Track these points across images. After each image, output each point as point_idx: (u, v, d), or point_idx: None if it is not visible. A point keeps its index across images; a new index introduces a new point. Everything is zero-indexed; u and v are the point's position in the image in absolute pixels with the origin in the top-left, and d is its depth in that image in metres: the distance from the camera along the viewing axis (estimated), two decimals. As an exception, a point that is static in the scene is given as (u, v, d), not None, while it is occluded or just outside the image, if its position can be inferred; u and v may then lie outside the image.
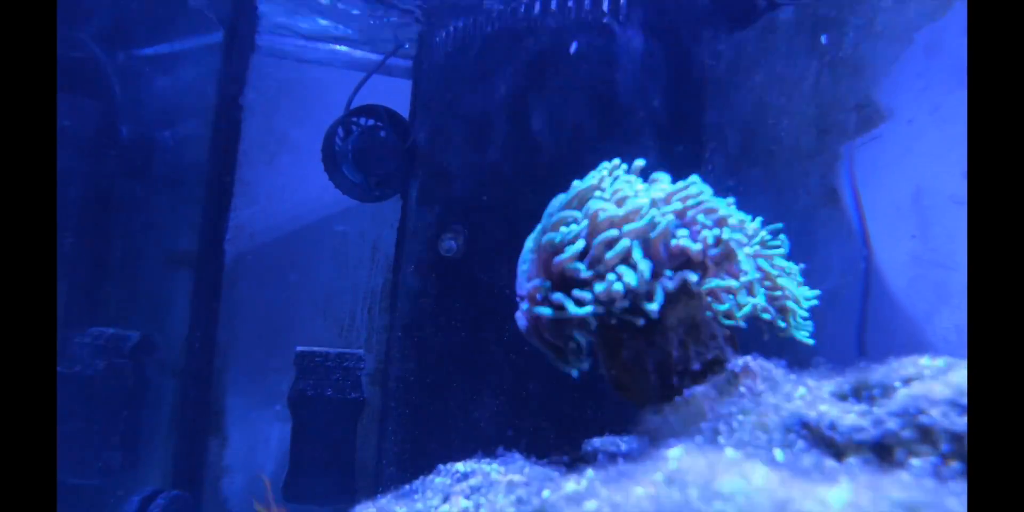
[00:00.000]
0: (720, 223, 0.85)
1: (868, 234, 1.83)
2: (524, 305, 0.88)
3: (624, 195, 0.84)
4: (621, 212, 0.81)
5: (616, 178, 0.90)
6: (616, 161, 0.93)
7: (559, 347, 0.87)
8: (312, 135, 2.38)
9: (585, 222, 0.83)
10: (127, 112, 2.62)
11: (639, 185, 0.90)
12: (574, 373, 0.88)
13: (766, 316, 0.88)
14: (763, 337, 0.95)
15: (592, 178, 0.89)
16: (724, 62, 2.23)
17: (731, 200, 0.91)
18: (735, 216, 0.91)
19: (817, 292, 0.97)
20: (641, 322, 0.80)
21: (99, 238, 2.57)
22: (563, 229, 0.84)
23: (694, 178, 0.88)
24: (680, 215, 0.84)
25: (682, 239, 0.81)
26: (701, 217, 0.84)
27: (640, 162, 0.94)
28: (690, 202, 0.84)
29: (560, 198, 0.92)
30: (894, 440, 0.63)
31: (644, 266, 0.77)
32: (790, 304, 0.91)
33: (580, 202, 0.87)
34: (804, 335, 0.93)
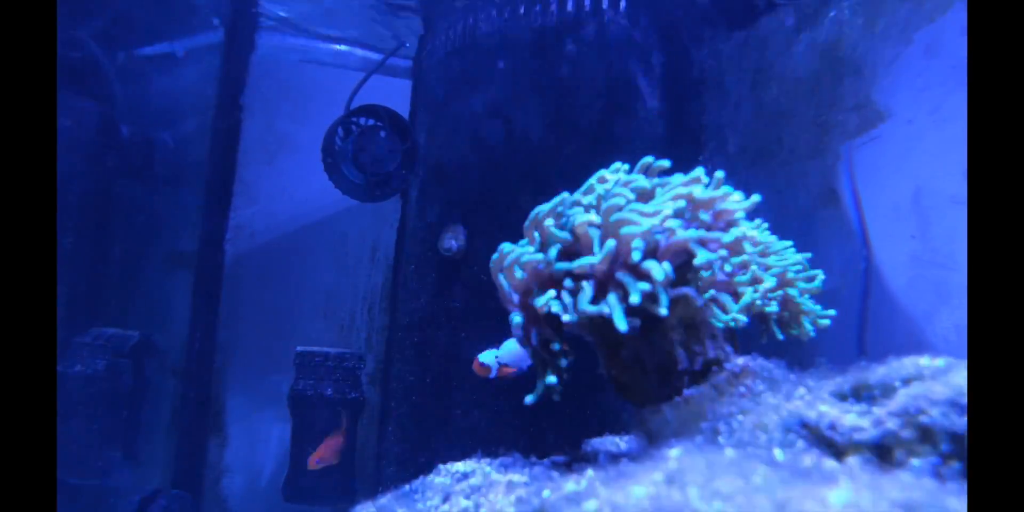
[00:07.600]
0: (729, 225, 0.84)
1: (868, 234, 1.82)
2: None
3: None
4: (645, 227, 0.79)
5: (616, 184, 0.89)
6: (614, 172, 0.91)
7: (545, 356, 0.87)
8: (312, 135, 2.38)
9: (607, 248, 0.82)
10: (127, 112, 2.62)
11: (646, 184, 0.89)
12: (552, 380, 0.86)
13: (770, 309, 0.88)
14: (762, 338, 0.95)
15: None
16: (724, 62, 2.23)
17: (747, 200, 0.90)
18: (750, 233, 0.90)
19: (831, 313, 0.97)
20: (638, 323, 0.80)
21: (99, 238, 2.57)
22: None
23: (726, 189, 0.87)
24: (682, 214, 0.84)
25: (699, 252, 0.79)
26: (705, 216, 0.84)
27: (649, 159, 0.94)
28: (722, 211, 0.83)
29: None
30: (894, 440, 0.63)
31: (649, 282, 0.76)
32: (796, 298, 0.91)
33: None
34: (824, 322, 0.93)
